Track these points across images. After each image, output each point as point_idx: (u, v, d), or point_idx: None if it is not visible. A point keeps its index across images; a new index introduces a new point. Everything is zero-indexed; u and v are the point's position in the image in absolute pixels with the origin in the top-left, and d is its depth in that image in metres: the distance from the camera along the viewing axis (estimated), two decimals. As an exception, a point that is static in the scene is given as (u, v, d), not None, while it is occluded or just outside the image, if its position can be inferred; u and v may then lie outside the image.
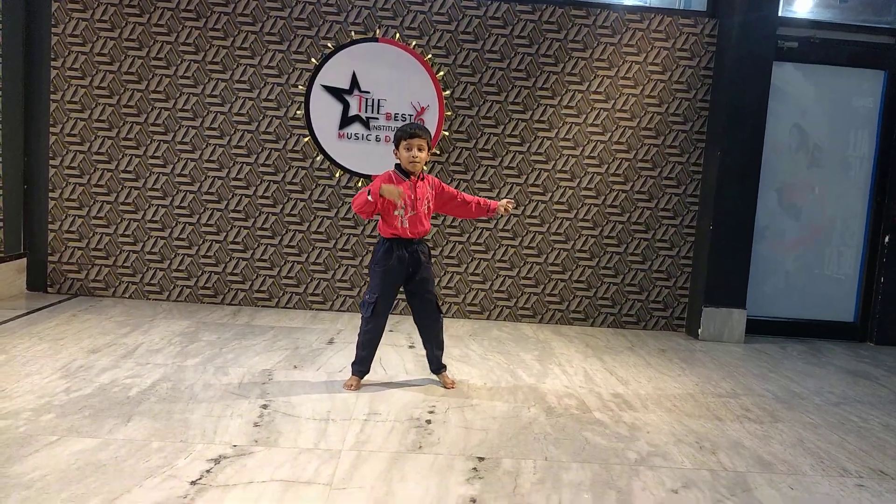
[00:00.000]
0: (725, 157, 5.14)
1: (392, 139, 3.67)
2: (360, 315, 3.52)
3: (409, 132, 3.36)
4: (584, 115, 5.30)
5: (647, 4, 5.53)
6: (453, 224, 5.28)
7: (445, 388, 3.58)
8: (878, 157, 5.50)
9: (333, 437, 2.88)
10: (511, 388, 3.71)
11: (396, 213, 3.39)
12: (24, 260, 5.24)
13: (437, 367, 3.65)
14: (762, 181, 5.31)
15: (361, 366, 3.54)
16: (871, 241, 5.54)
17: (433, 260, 4.52)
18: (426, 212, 3.48)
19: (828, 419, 3.55)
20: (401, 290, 3.57)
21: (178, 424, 2.91)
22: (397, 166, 3.45)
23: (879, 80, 5.47)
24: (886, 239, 5.46)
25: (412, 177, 3.42)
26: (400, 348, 4.35)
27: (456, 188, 4.07)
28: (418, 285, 3.51)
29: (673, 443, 3.07)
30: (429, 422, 3.13)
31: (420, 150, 3.37)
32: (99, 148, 5.18)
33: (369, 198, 3.27)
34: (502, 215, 3.59)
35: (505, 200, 3.58)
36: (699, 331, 5.24)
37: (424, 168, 3.55)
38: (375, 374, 3.78)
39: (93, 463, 2.49)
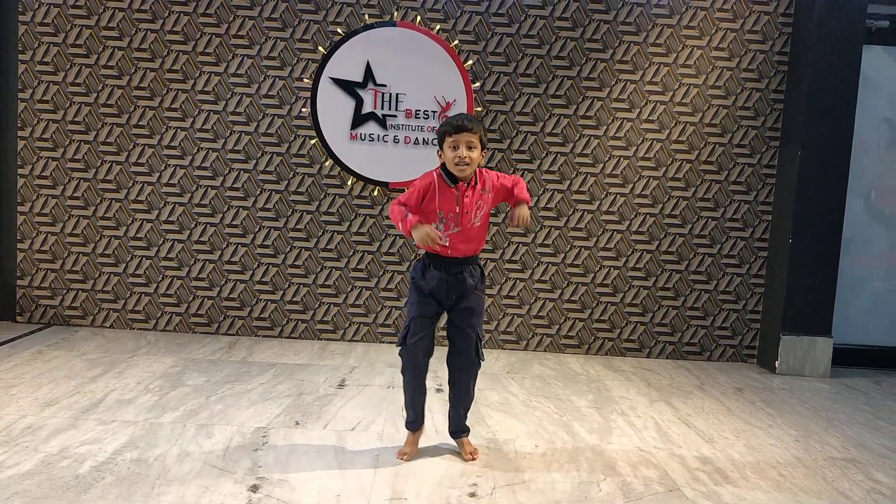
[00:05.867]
0: (806, 157, 4.35)
1: (435, 136, 2.90)
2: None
3: (454, 125, 2.63)
4: (638, 110, 4.52)
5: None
6: (485, 239, 4.52)
7: (464, 459, 2.78)
8: (984, 156, 4.68)
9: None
10: (571, 451, 2.93)
11: (434, 226, 2.66)
12: (-10, 284, 4.55)
13: (457, 428, 2.85)
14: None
15: (408, 414, 2.84)
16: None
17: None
18: (478, 226, 2.72)
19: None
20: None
21: (135, 522, 2.16)
22: (444, 167, 2.71)
23: (985, 66, 4.66)
24: None
25: (460, 183, 2.68)
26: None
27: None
28: (459, 315, 2.76)
29: (800, 540, 2.29)
30: (471, 511, 2.36)
31: (470, 148, 2.63)
32: (74, 154, 4.48)
33: (400, 225, 2.67)
34: (516, 223, 2.73)
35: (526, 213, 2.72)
36: (776, 363, 4.43)
37: (481, 163, 2.75)
38: (398, 430, 3.03)
39: None
